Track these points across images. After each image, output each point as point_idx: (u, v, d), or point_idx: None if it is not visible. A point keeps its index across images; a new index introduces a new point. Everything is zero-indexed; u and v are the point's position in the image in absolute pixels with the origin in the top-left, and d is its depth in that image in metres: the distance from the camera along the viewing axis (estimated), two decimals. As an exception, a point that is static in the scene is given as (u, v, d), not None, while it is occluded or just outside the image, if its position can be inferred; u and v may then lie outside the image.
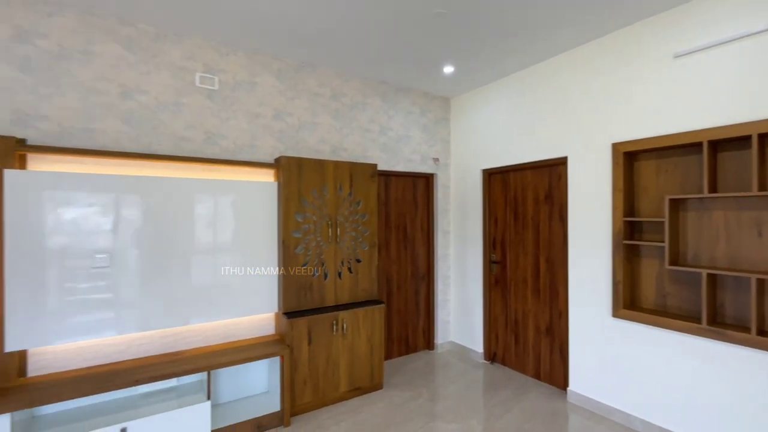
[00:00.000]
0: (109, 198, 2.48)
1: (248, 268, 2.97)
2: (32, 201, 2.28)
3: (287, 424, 2.79)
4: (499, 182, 3.92)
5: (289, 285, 3.00)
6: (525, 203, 3.66)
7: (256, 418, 2.71)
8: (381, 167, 3.87)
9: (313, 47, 3.10)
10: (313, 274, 3.11)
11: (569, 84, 3.19)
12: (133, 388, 2.58)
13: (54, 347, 2.42)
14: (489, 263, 3.99)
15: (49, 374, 2.39)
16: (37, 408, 2.36)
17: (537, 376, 3.55)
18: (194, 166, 2.85)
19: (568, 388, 3.17)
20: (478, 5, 2.51)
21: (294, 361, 2.89)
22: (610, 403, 2.89)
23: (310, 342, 2.97)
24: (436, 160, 4.27)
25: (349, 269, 3.29)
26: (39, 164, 2.39)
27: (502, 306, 3.88)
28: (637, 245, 2.82)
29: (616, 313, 2.83)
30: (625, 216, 2.80)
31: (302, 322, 2.94)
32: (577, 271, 3.12)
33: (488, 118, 3.94)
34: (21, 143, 2.31)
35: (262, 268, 3.03)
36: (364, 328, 3.24)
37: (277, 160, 3.08)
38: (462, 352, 4.23)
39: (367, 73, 3.64)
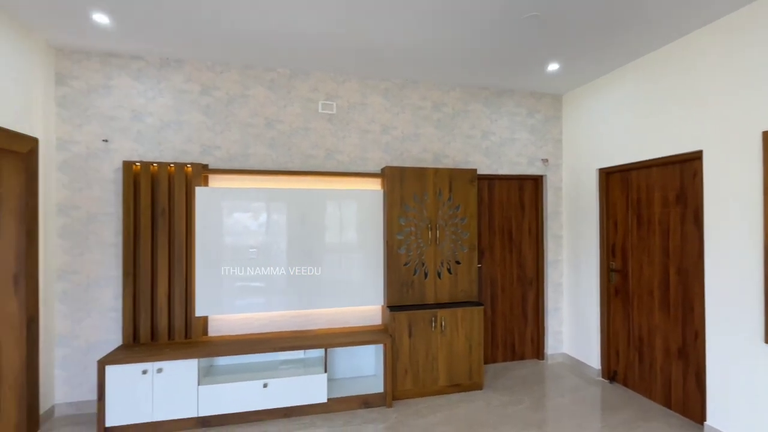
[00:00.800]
0: (259, 206, 3.24)
1: (359, 265, 3.43)
2: (212, 209, 3.15)
3: (389, 406, 3.13)
4: (619, 182, 3.54)
5: (392, 281, 3.35)
6: (651, 205, 3.24)
7: (363, 395, 3.13)
8: (483, 171, 3.93)
9: (416, 64, 3.40)
10: (414, 273, 3.39)
11: (704, 64, 2.73)
12: (273, 354, 3.28)
13: (223, 317, 3.28)
14: (607, 271, 3.64)
15: (221, 336, 3.25)
16: (213, 359, 3.23)
17: (666, 403, 3.09)
18: (317, 179, 3.46)
19: (706, 423, 2.70)
20: (575, 3, 2.42)
21: (395, 350, 3.22)
22: (763, 449, 2.37)
23: (410, 335, 3.26)
24: (545, 161, 4.09)
25: (449, 270, 3.47)
26: (215, 182, 3.29)
27: (623, 320, 3.49)
28: (804, 257, 2.26)
29: (770, 339, 2.32)
30: (783, 220, 2.28)
31: (403, 316, 3.25)
32: (716, 286, 2.64)
33: (604, 113, 3.61)
34: (205, 167, 3.22)
35: (371, 265, 3.45)
36: (462, 327, 3.37)
37: (383, 170, 3.47)
38: (576, 366, 3.94)
39: (467, 80, 3.76)
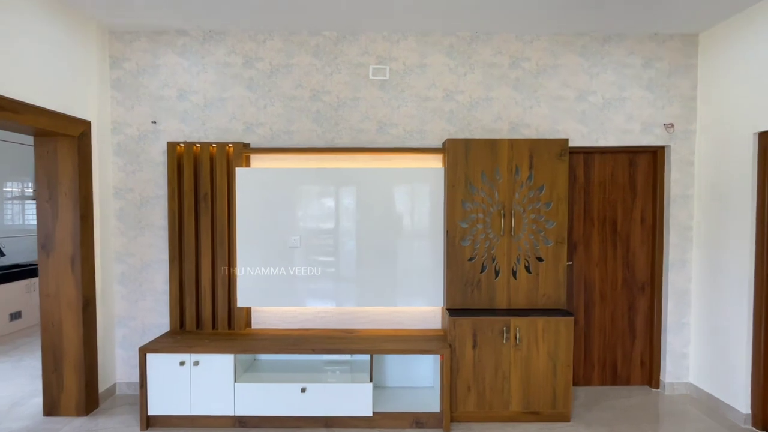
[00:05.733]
0: (301, 188, 2.89)
1: (416, 258, 2.90)
2: (253, 192, 2.89)
3: (446, 429, 2.58)
4: (796, 150, 2.41)
5: (453, 280, 2.75)
6: None
7: (416, 413, 2.63)
8: (577, 143, 3.05)
9: (490, 10, 2.68)
10: (482, 270, 2.75)
11: None
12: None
13: (266, 309, 3.03)
14: (767, 279, 2.55)
15: (263, 329, 3.02)
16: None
17: None
18: (367, 156, 2.99)
19: None
20: None
21: (456, 363, 2.64)
22: None
23: (474, 345, 2.65)
24: (669, 126, 3.04)
25: (527, 268, 2.75)
26: (257, 162, 3.02)
27: (794, 350, 2.41)
28: None
29: None
30: None
31: (466, 323, 2.65)
32: None
33: (774, 50, 2.48)
34: (246, 146, 2.96)
35: (430, 259, 2.90)
36: (544, 341, 2.64)
37: (444, 144, 2.86)
38: (708, 402, 2.91)
39: (557, 26, 2.91)
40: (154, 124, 3.04)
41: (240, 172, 2.89)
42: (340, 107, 3.04)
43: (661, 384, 3.15)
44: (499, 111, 3.05)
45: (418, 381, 2.98)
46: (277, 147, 2.98)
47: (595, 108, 3.05)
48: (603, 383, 3.22)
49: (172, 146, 2.93)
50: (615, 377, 3.23)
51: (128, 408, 2.88)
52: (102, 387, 2.97)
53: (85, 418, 2.76)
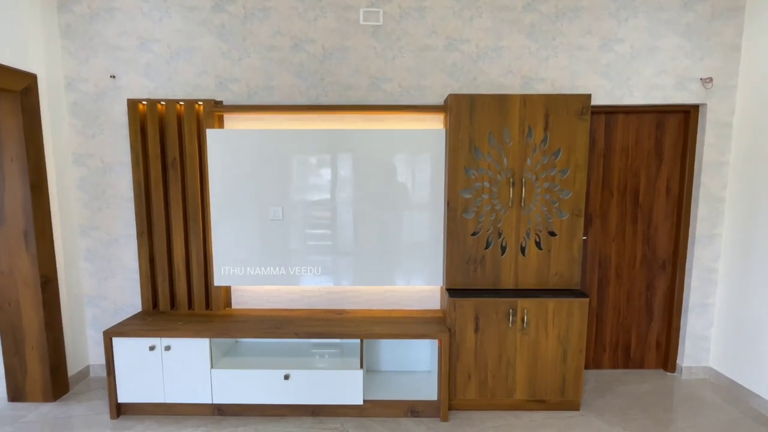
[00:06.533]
0: (283, 153, 2.53)
1: (411, 232, 2.59)
2: (227, 157, 2.53)
3: (443, 419, 2.36)
4: None
5: (454, 256, 2.45)
6: None
7: (411, 401, 2.40)
8: (599, 101, 2.65)
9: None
10: (487, 246, 2.44)
11: None
12: (304, 336, 2.70)
13: (247, 287, 2.75)
14: (814, 257, 2.23)
15: (244, 310, 2.75)
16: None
17: None
18: (358, 116, 2.61)
19: None
20: None
21: (455, 348, 2.38)
22: None
23: (476, 329, 2.38)
24: (707, 81, 2.63)
25: (538, 244, 2.43)
26: (232, 123, 2.65)
27: (839, 337, 2.13)
28: None
29: None
30: None
31: (468, 304, 2.36)
32: None
33: None
34: (218, 104, 2.58)
35: (428, 233, 2.58)
36: (554, 325, 2.37)
37: (446, 101, 2.47)
38: (729, 389, 2.68)
39: (583, -43, 2.44)
40: (113, 78, 2.64)
41: (211, 135, 2.52)
42: (326, 59, 2.63)
43: (677, 368, 2.91)
44: (510, 63, 2.63)
45: (414, 365, 2.74)
46: (254, 104, 2.60)
47: (621, 59, 2.63)
48: (614, 366, 2.99)
49: (133, 104, 2.55)
50: (627, 360, 2.98)
51: (101, 393, 2.66)
52: (73, 370, 2.75)
53: (53, 403, 2.55)
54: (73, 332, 2.75)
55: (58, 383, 2.60)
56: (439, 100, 2.64)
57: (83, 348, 2.85)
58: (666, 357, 2.95)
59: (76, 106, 2.67)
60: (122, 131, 2.68)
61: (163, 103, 2.55)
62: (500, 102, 2.34)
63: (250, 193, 2.56)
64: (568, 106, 2.34)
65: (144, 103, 2.56)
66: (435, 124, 2.62)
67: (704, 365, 2.85)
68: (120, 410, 2.41)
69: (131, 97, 2.62)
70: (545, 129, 2.35)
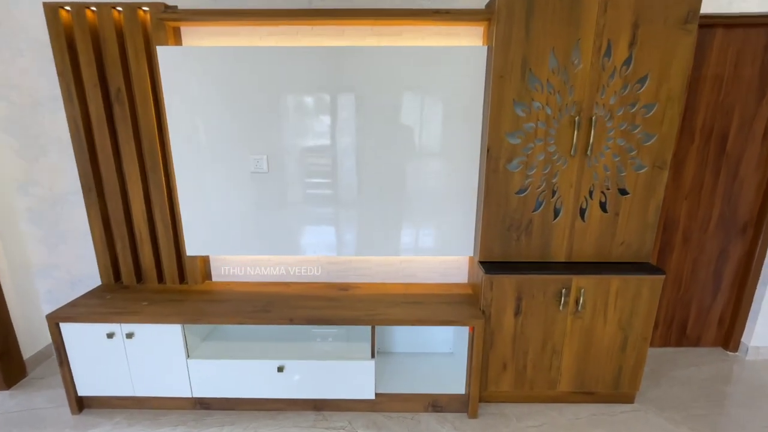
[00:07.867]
0: (264, 78, 1.85)
1: (435, 187, 2.00)
2: (187, 84, 1.87)
3: (472, 415, 1.95)
4: None
5: (491, 220, 1.88)
6: None
7: (431, 395, 1.98)
8: (701, 9, 1.91)
9: None
10: (536, 208, 1.86)
11: None
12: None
13: (229, 256, 2.22)
14: None
15: (228, 283, 2.25)
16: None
17: None
18: (362, 27, 1.90)
19: None
20: None
21: (489, 335, 1.91)
22: None
23: (517, 312, 1.89)
24: None
25: (603, 205, 1.86)
26: (192, 38, 1.94)
27: None
28: None
29: None
30: None
31: (508, 282, 1.85)
32: None
33: None
34: (170, 9, 1.84)
35: (457, 190, 2.00)
36: (616, 307, 1.87)
37: (489, 6, 1.76)
38: (809, 375, 2.26)
39: None
40: (22, -26, 1.89)
41: (164, 54, 1.83)
42: (320, -57, 1.86)
43: (741, 346, 2.48)
44: (581, -51, 1.86)
45: (434, 346, 2.30)
46: (222, 9, 1.86)
47: (738, -56, 1.85)
48: (666, 344, 2.56)
49: (51, 11, 1.83)
50: (682, 337, 2.55)
51: (66, 376, 2.25)
52: (30, 351, 2.33)
53: (6, 392, 2.15)
54: (23, 308, 2.29)
55: (10, 368, 2.18)
56: (480, 4, 1.90)
57: (39, 325, 2.40)
58: (728, 335, 2.51)
59: (-22, 16, 1.94)
60: (47, 53, 1.98)
61: (93, 8, 1.83)
62: (571, 5, 1.63)
63: (222, 136, 1.93)
64: (668, 12, 1.63)
65: (67, 9, 1.84)
66: (472, 38, 1.92)
67: (775, 345, 2.42)
68: (83, 404, 2.01)
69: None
70: (631, 45, 1.66)
